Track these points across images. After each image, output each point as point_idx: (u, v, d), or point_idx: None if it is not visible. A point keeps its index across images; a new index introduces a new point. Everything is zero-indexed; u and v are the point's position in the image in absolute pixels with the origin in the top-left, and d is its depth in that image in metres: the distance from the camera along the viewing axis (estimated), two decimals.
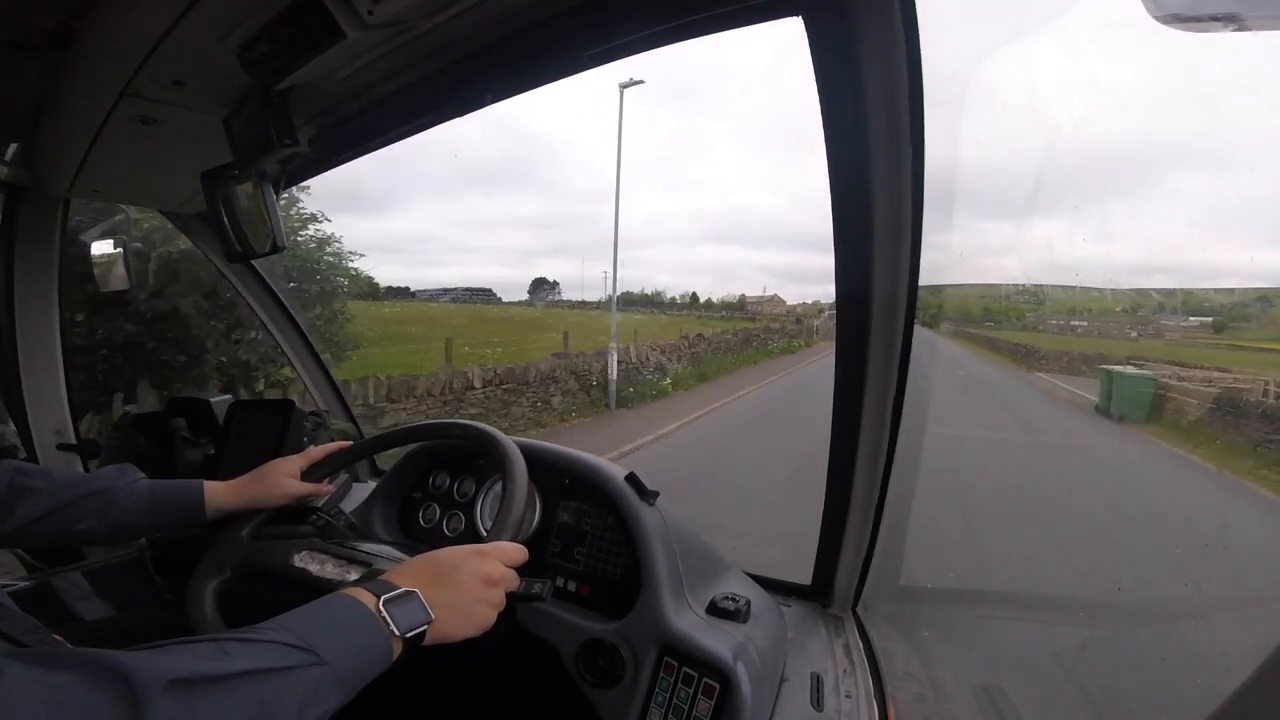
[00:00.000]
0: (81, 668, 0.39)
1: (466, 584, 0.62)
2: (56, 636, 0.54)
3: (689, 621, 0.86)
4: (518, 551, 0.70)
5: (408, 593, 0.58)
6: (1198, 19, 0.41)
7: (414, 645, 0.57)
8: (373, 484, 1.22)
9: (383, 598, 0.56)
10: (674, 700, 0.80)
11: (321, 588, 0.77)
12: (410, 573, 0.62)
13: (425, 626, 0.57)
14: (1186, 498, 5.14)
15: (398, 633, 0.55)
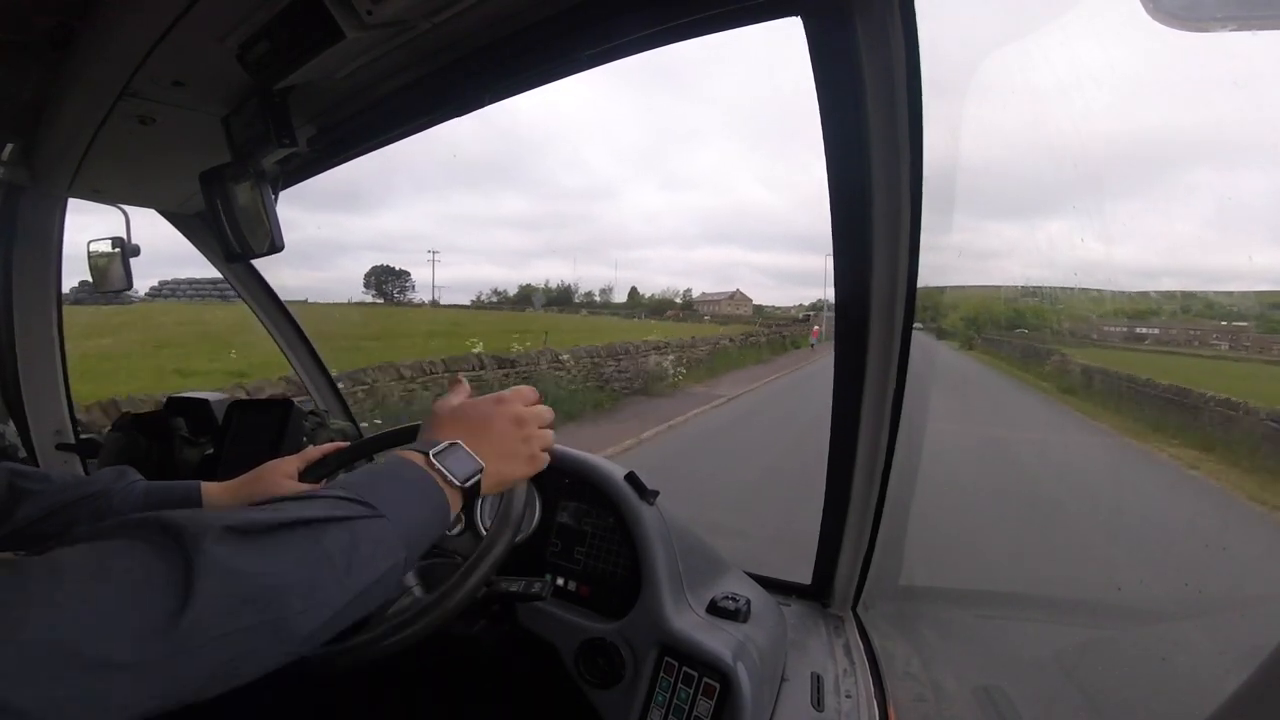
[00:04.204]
0: (129, 529, 0.38)
1: (502, 429, 0.61)
2: None
3: (689, 621, 0.86)
4: (531, 391, 0.68)
5: (451, 444, 0.56)
6: (1197, 19, 0.41)
7: (472, 496, 0.56)
8: None
9: (431, 453, 0.54)
10: (674, 700, 0.80)
11: None
12: (443, 428, 0.59)
13: (479, 474, 0.56)
14: None
15: (456, 482, 0.54)
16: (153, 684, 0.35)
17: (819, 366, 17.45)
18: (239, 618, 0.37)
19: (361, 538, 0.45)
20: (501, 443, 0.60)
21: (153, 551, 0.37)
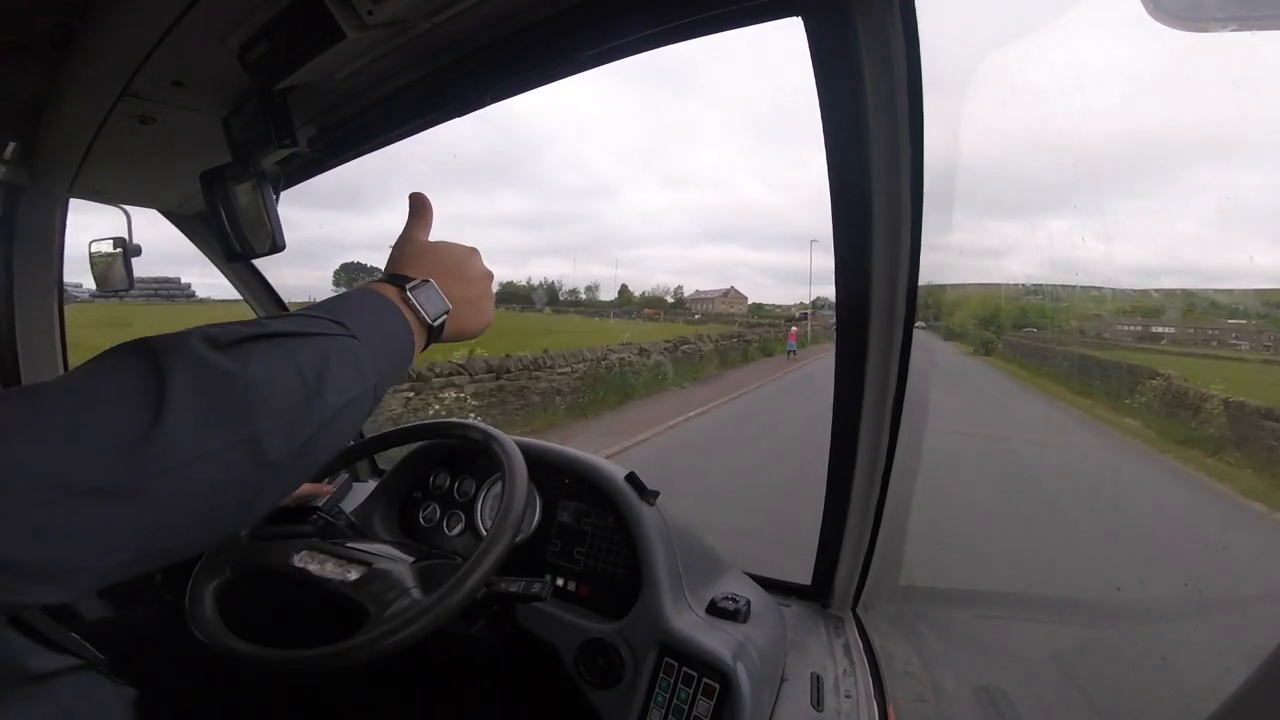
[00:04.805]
0: (107, 352, 0.37)
1: (473, 277, 0.60)
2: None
3: (689, 621, 0.86)
4: None
5: (425, 281, 0.55)
6: (1197, 19, 0.41)
7: (434, 339, 0.55)
8: (373, 484, 1.22)
9: (407, 287, 0.53)
10: (674, 700, 0.80)
11: (321, 587, 0.77)
12: (420, 264, 0.57)
13: (446, 316, 0.55)
14: None
15: (428, 319, 0.53)
16: (136, 514, 0.34)
17: (781, 387, 13.13)
18: (212, 436, 0.36)
19: (334, 356, 0.44)
20: (473, 292, 0.59)
21: (126, 367, 0.36)
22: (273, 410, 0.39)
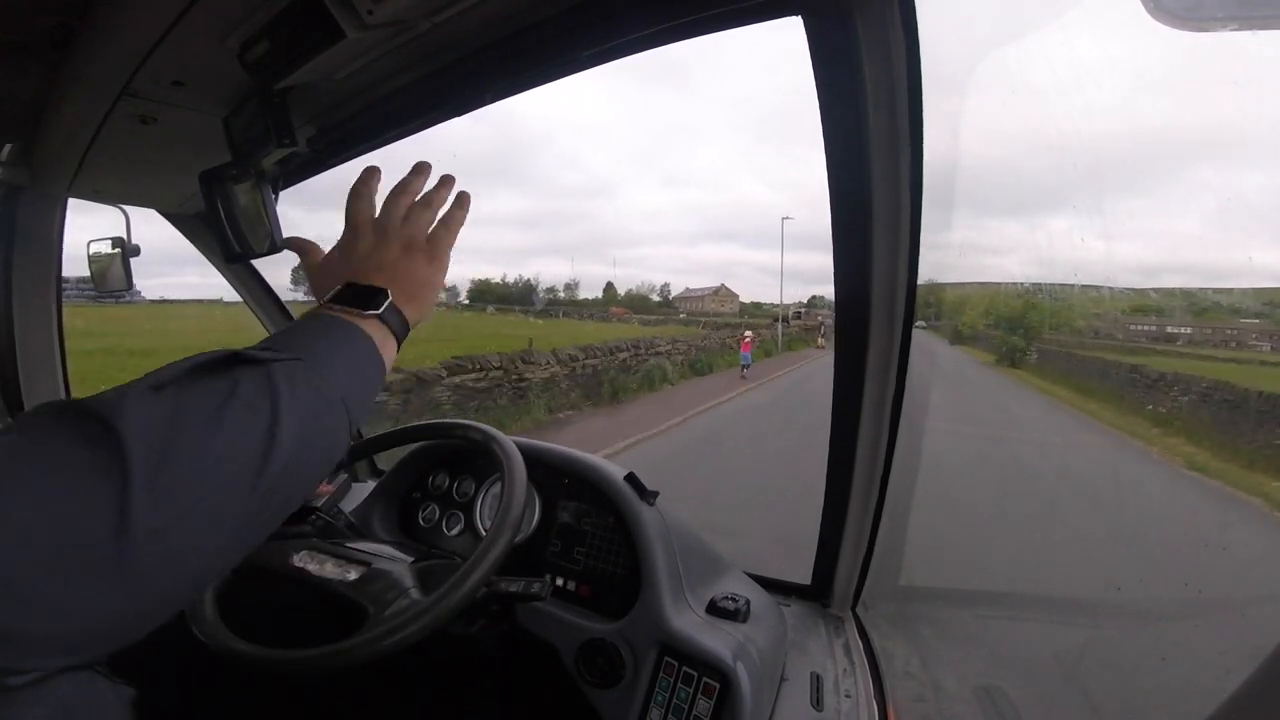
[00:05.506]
0: (44, 420, 0.36)
1: (405, 268, 0.58)
2: None
3: (689, 621, 0.86)
4: (417, 179, 0.65)
5: (381, 292, 0.54)
6: (1197, 19, 0.41)
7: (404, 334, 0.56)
8: (372, 484, 1.22)
9: (371, 310, 0.53)
10: (674, 700, 0.80)
11: (321, 587, 0.77)
12: (387, 283, 0.56)
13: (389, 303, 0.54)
14: None
15: (396, 333, 0.54)
16: (125, 584, 0.35)
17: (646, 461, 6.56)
18: (188, 494, 0.37)
19: (319, 429, 0.44)
20: (407, 280, 0.57)
21: (80, 436, 0.35)
22: (239, 460, 0.40)
